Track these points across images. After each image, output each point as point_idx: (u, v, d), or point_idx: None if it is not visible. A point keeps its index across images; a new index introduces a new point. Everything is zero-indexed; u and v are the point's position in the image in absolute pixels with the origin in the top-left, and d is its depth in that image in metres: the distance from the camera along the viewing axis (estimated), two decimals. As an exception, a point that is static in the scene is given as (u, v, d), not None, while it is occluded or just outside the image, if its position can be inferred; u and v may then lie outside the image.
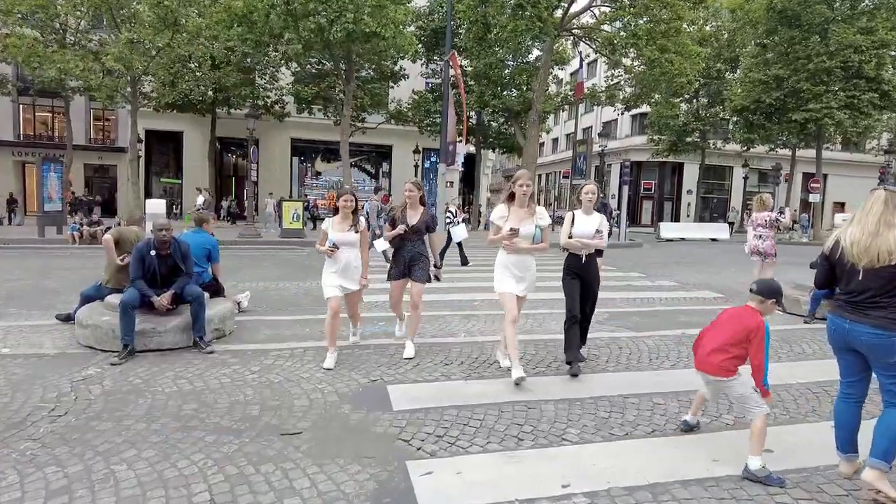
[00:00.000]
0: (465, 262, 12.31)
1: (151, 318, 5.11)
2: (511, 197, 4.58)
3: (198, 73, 23.66)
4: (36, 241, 16.83)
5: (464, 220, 17.65)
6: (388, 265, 5.42)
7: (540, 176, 52.31)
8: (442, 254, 12.25)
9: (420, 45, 25.32)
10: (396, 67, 25.73)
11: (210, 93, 24.83)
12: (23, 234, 18.08)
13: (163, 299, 5.02)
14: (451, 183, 21.63)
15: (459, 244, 12.40)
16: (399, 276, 5.26)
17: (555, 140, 55.30)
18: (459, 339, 5.79)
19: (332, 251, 4.77)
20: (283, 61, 23.67)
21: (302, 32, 17.65)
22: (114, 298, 5.25)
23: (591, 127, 50.74)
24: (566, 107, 31.45)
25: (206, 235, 6.30)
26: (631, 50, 21.00)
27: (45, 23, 21.81)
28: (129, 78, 18.67)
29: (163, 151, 34.86)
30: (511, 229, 4.39)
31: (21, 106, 33.41)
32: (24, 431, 3.39)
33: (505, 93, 24.84)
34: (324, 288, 4.90)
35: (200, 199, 20.25)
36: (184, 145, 32.74)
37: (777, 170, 25.83)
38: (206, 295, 5.86)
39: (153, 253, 5.06)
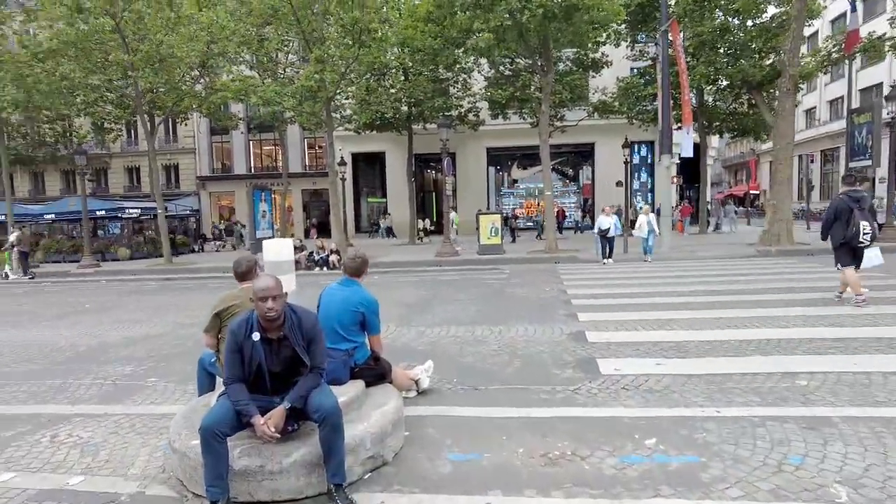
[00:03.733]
0: None
1: (260, 446, 2.99)
2: None
3: (391, 91, 23.17)
4: (249, 269, 17.23)
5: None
6: None
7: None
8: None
9: (624, 26, 21.69)
10: (597, 55, 22.46)
11: (404, 108, 24.25)
12: (240, 262, 18.80)
13: (267, 424, 2.83)
14: (679, 177, 17.74)
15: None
16: None
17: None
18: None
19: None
20: (473, 59, 22.05)
21: (492, 23, 15.58)
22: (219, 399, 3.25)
23: (842, 97, 41.11)
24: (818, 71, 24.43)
25: (361, 291, 4.03)
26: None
27: (260, 62, 23.23)
28: (323, 99, 18.41)
29: (369, 173, 36.15)
30: None
31: (250, 142, 37.29)
32: None
33: (738, 62, 19.91)
34: None
35: (13, 237, 17.17)
36: (386, 165, 33.37)
37: None
38: (362, 386, 3.65)
39: (256, 337, 2.93)
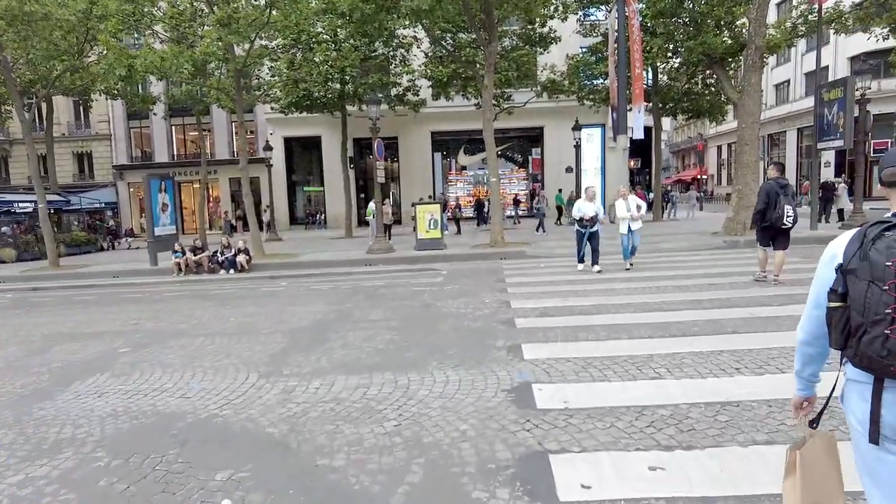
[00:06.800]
0: None
1: None
2: None
3: (321, 67, 20.39)
4: (146, 272, 14.56)
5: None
6: None
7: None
8: None
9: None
10: (545, 29, 20.52)
11: (336, 85, 21.65)
12: (135, 264, 15.99)
13: None
14: (636, 161, 16.00)
15: None
16: None
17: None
18: None
19: None
20: (409, 30, 19.75)
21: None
22: None
23: (788, 80, 40.89)
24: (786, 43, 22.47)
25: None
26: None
27: (173, 38, 20.14)
28: (232, 70, 15.73)
29: (305, 159, 33.25)
30: None
31: (172, 127, 33.69)
32: None
33: (700, 37, 18.23)
34: None
35: None
36: (323, 150, 30.63)
37: None
38: None
39: None
